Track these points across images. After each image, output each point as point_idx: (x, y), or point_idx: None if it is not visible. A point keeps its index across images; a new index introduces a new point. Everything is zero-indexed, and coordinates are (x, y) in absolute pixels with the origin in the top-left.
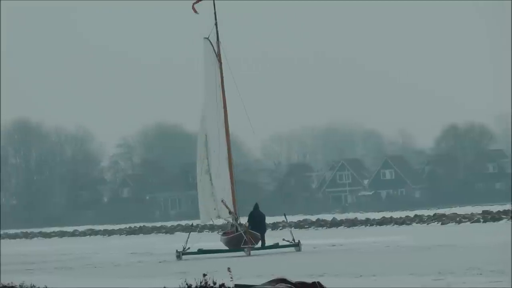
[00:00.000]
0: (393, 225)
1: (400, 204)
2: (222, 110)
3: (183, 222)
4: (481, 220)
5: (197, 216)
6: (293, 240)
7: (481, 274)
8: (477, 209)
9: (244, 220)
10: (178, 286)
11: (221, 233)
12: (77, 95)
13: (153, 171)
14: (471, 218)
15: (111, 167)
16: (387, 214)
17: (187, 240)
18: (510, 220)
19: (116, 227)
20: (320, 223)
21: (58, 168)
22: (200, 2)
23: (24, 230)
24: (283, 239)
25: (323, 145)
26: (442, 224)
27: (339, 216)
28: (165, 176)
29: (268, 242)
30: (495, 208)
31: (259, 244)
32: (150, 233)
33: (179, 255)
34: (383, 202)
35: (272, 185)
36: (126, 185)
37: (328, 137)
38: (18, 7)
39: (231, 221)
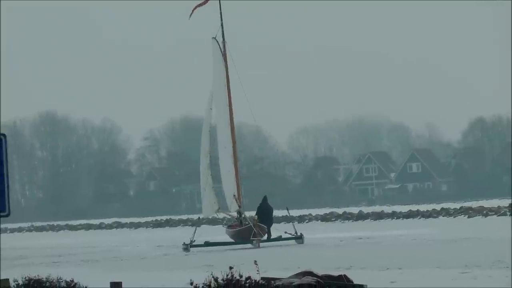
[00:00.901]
0: (420, 218)
1: (427, 197)
2: (228, 108)
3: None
4: (508, 213)
5: (222, 209)
6: (296, 233)
7: (507, 267)
8: (504, 202)
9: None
10: (205, 279)
11: (225, 226)
12: (104, 88)
13: (179, 164)
14: (497, 211)
15: (138, 160)
16: (414, 207)
17: (194, 233)
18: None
19: (143, 220)
20: (347, 216)
21: (84, 161)
22: (207, 3)
23: (51, 223)
24: (285, 232)
25: (349, 138)
26: (468, 217)
27: (366, 209)
28: (191, 169)
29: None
30: None
31: (265, 237)
32: (176, 226)
33: (187, 247)
34: (410, 195)
35: (298, 178)
36: (152, 178)
37: (354, 130)
38: (40, 3)
39: (236, 214)
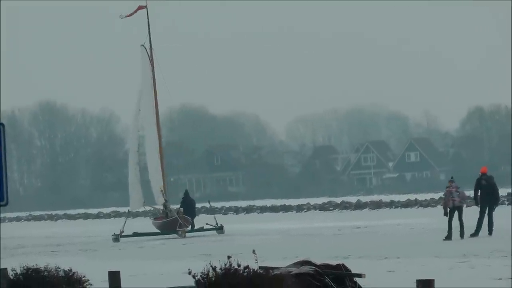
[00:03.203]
0: (418, 207)
1: (425, 186)
2: (154, 109)
3: (207, 205)
4: (506, 202)
5: (220, 197)
6: (216, 224)
7: (505, 256)
8: (502, 192)
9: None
10: (203, 268)
11: (152, 218)
12: (103, 77)
13: (177, 153)
14: None
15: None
16: (412, 197)
17: (124, 224)
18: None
19: (141, 209)
20: (345, 206)
21: (83, 150)
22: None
23: (49, 212)
24: (207, 223)
25: (348, 127)
26: (467, 206)
27: (364, 199)
28: (189, 158)
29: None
30: None
31: (189, 228)
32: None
33: (117, 237)
34: (408, 185)
35: (297, 167)
36: None
37: (353, 119)
38: None
39: (162, 207)
